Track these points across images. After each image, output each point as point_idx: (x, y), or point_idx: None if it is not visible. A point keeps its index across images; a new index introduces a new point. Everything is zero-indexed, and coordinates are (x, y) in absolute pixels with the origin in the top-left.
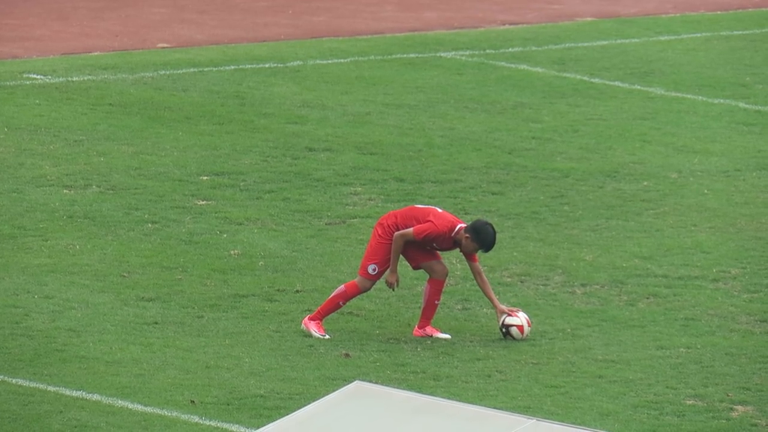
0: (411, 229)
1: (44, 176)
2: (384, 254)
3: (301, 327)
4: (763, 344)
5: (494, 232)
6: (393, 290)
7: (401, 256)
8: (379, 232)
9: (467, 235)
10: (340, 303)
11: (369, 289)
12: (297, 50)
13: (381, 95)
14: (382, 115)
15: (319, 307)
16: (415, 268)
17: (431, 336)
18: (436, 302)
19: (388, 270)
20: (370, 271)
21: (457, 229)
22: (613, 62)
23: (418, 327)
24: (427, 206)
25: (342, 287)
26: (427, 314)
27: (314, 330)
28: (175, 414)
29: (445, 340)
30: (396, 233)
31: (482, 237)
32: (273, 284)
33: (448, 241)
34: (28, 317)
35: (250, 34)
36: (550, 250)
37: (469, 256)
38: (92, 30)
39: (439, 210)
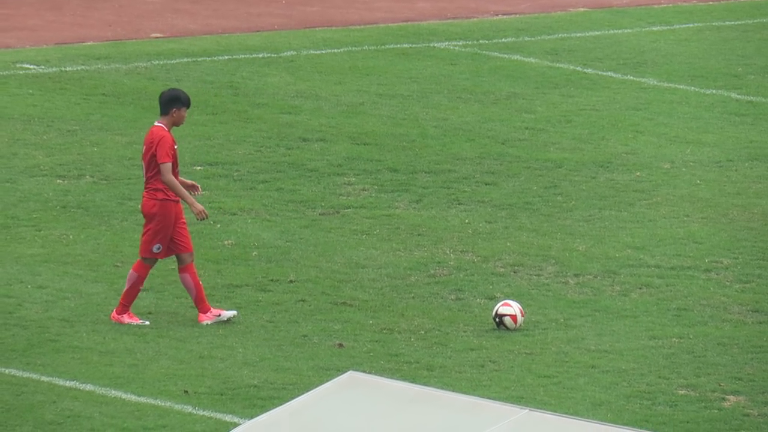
0: (161, 164)
1: (37, 166)
2: (163, 231)
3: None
4: (755, 334)
5: (178, 89)
6: (205, 218)
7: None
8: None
9: (174, 108)
10: (140, 288)
11: (153, 263)
12: (290, 40)
13: (374, 85)
14: (376, 106)
15: (121, 299)
16: (166, 255)
17: (219, 315)
18: (200, 282)
19: (192, 209)
20: (154, 250)
21: (161, 124)
22: (606, 53)
23: (201, 313)
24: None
25: (133, 273)
26: (201, 297)
27: (129, 321)
28: (168, 404)
29: (232, 315)
30: (162, 179)
31: (180, 97)
32: (266, 274)
33: (169, 135)
34: (21, 307)
35: (244, 24)
36: (543, 240)
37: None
38: (86, 20)
39: (150, 130)
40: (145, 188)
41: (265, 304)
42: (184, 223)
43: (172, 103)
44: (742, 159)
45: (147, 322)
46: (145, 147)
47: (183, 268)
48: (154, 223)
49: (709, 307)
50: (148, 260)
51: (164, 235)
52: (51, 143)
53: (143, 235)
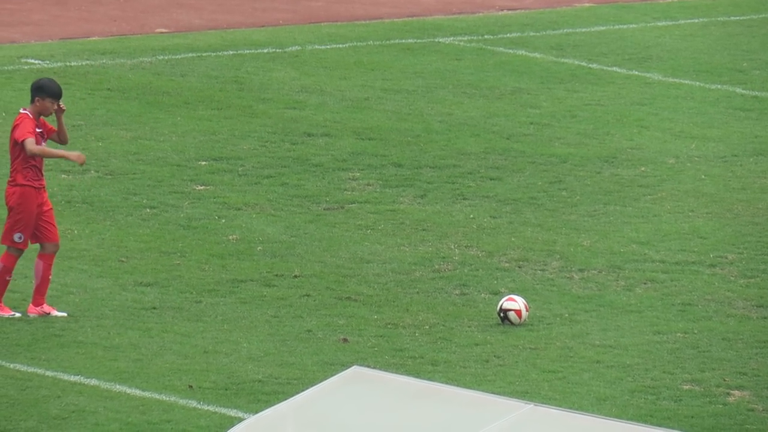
0: (23, 141)
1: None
2: (26, 219)
3: (45, 311)
4: (760, 329)
5: (48, 78)
6: (83, 163)
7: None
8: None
9: (38, 98)
10: (7, 278)
11: (21, 253)
12: (295, 35)
13: (379, 80)
14: (381, 101)
15: None
16: (34, 242)
17: (48, 314)
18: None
19: (72, 158)
20: (16, 239)
21: (26, 112)
22: (611, 48)
23: (33, 305)
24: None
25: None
26: (42, 290)
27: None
28: (173, 399)
29: (63, 317)
30: (28, 150)
31: (42, 86)
32: (271, 269)
33: (36, 122)
34: (26, 302)
35: (249, 19)
36: (547, 235)
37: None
38: (91, 15)
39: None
40: (9, 178)
41: (269, 299)
42: (51, 211)
43: (36, 92)
44: (747, 154)
45: (18, 314)
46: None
47: (43, 255)
48: (14, 212)
49: (713, 302)
50: (12, 249)
51: (25, 224)
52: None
53: (5, 223)
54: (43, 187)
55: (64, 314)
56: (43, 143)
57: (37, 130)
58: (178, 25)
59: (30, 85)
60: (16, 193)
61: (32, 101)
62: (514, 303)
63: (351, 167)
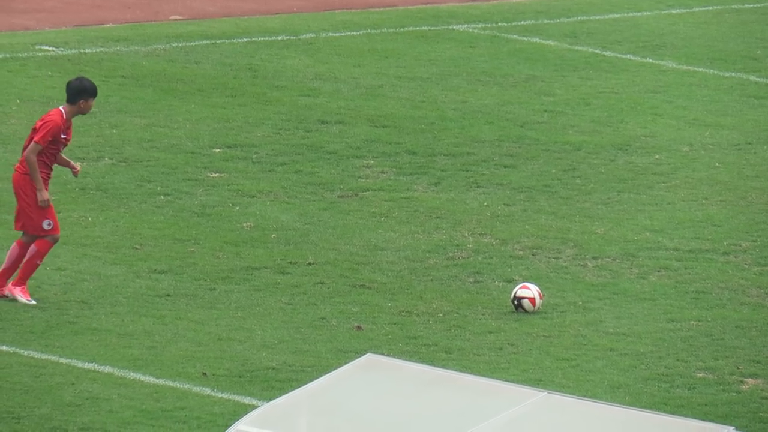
0: (35, 142)
1: None
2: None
3: (6, 293)
4: None
5: (87, 79)
6: (45, 205)
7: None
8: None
9: (82, 100)
10: (38, 262)
11: (57, 239)
12: (309, 23)
13: (393, 68)
14: (395, 88)
15: (20, 272)
16: (18, 228)
17: (14, 297)
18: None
19: (37, 192)
20: (45, 227)
21: (64, 111)
22: (625, 35)
23: (13, 283)
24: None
25: (34, 248)
26: (7, 275)
27: (20, 296)
28: (187, 386)
29: (30, 304)
30: (27, 154)
31: (87, 87)
32: (285, 257)
33: (67, 125)
34: (40, 289)
35: (263, 6)
36: (561, 223)
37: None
38: (105, 2)
39: (50, 111)
40: (19, 163)
41: (283, 287)
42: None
43: (79, 94)
44: (761, 142)
45: (34, 302)
46: (38, 120)
47: (21, 243)
48: (30, 200)
49: (727, 290)
50: (48, 237)
51: (46, 210)
52: None
53: (16, 207)
54: (49, 178)
55: (34, 302)
56: (61, 149)
57: (62, 136)
58: (192, 12)
59: (68, 84)
60: (27, 181)
61: (73, 102)
62: (528, 291)
63: (365, 155)
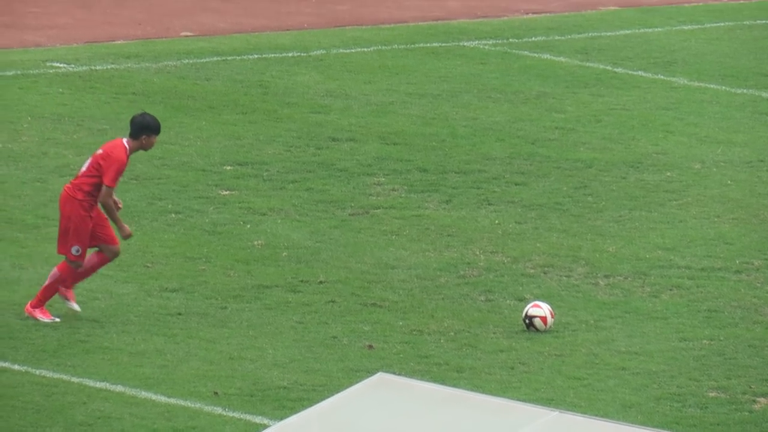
0: (106, 186)
1: (68, 165)
2: (84, 233)
3: (67, 298)
4: None
5: (151, 115)
6: (128, 238)
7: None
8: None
9: (145, 135)
10: (58, 287)
11: (81, 266)
12: (320, 39)
13: (404, 84)
14: (405, 105)
15: (38, 294)
16: (92, 245)
17: (34, 317)
18: (58, 287)
19: (119, 229)
20: (73, 252)
21: (127, 146)
22: (636, 52)
23: (31, 305)
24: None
25: (55, 270)
26: (46, 296)
27: (41, 317)
28: (198, 405)
29: (47, 322)
30: (101, 200)
31: (150, 124)
32: (296, 275)
33: (126, 160)
34: (51, 308)
35: (274, 22)
36: (573, 241)
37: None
38: (115, 18)
39: (112, 143)
40: (73, 182)
41: (294, 305)
42: (99, 211)
43: (142, 130)
44: None
45: (58, 319)
46: (101, 151)
47: (101, 255)
48: (71, 222)
49: (740, 309)
50: (70, 262)
51: (82, 236)
52: (81, 142)
53: (59, 228)
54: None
55: (58, 319)
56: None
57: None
58: (202, 28)
59: (132, 119)
60: (75, 204)
61: (136, 137)
62: (540, 309)
63: (376, 172)
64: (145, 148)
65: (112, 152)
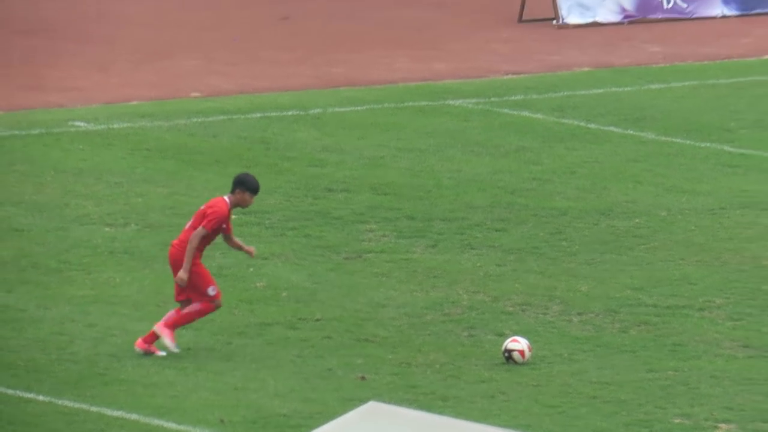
0: (201, 227)
1: (87, 215)
2: (204, 276)
3: (153, 328)
4: (746, 368)
5: (251, 176)
6: (183, 285)
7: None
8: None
9: (239, 190)
10: (195, 318)
11: (220, 304)
12: (317, 99)
13: (394, 140)
14: (395, 159)
15: (174, 318)
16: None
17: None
18: (196, 318)
19: (181, 270)
20: (210, 292)
21: (228, 201)
22: (608, 109)
23: (164, 324)
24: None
25: (197, 305)
26: (180, 323)
27: (168, 340)
28: None
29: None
30: (192, 235)
31: (244, 181)
32: (295, 313)
33: (229, 215)
34: (72, 344)
35: (275, 84)
36: (549, 281)
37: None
38: (131, 81)
39: (214, 200)
40: (179, 239)
41: (293, 341)
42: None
43: (237, 185)
44: (734, 207)
45: (177, 350)
46: (204, 207)
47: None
48: (192, 273)
49: (702, 343)
50: (212, 301)
51: (206, 278)
52: (99, 194)
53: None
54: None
55: (171, 350)
56: (214, 238)
57: (223, 225)
58: (210, 89)
59: (235, 178)
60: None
61: (233, 192)
62: (518, 344)
63: (368, 220)
64: (241, 204)
65: (214, 205)
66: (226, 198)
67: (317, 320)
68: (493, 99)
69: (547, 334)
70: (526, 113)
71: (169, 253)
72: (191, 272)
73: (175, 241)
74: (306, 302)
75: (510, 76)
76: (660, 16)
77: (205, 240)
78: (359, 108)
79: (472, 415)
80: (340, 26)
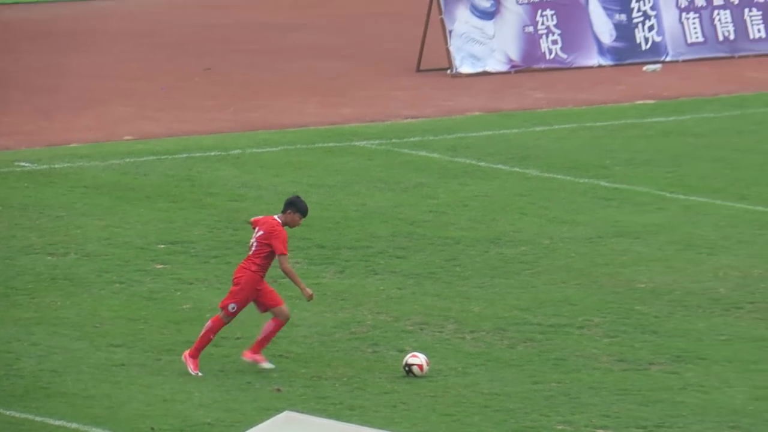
0: (280, 255)
1: (32, 245)
2: (243, 296)
3: (182, 359)
4: (621, 380)
5: (302, 200)
6: (310, 299)
7: (253, 300)
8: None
9: (290, 211)
10: (211, 337)
11: (229, 322)
12: (237, 141)
13: (306, 177)
14: (307, 194)
15: (195, 344)
16: (264, 311)
17: (258, 363)
18: (211, 337)
19: (304, 293)
20: (230, 309)
21: (279, 220)
22: (497, 149)
23: (251, 351)
24: (259, 221)
25: (209, 323)
26: (262, 344)
27: (191, 367)
28: None
29: (270, 368)
30: (281, 267)
31: (294, 203)
32: (218, 332)
33: (284, 230)
34: (19, 361)
35: (199, 128)
36: (444, 303)
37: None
38: (71, 125)
39: (266, 218)
40: (246, 259)
41: (216, 357)
42: (266, 284)
43: (288, 206)
44: (610, 236)
45: (200, 374)
46: (262, 232)
47: (276, 319)
48: (239, 287)
49: (582, 358)
50: (224, 315)
51: (243, 300)
52: (42, 227)
53: (229, 292)
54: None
55: (272, 366)
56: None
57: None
58: (141, 133)
59: (287, 200)
60: (248, 276)
61: (284, 212)
62: (417, 359)
63: None
64: (290, 224)
65: (273, 230)
66: (277, 218)
67: (237, 338)
68: (394, 140)
69: (442, 350)
70: (423, 153)
71: (235, 271)
72: (252, 279)
73: (242, 263)
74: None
75: (409, 120)
76: (543, 65)
77: (269, 259)
78: (274, 149)
79: (376, 423)
80: (258, 76)
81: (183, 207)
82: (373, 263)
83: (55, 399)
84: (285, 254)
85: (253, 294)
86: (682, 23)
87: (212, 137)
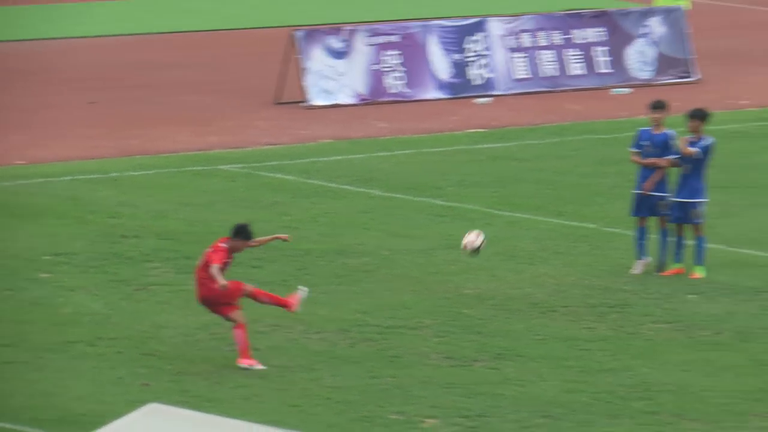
0: (211, 265)
1: None
2: (230, 295)
3: (241, 366)
4: (448, 375)
5: (244, 226)
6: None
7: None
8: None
9: (236, 239)
10: (246, 340)
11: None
12: (116, 165)
13: (176, 197)
14: (176, 212)
15: (239, 349)
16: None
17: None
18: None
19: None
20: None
21: (226, 247)
22: (345, 172)
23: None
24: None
25: (234, 332)
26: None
27: (254, 365)
28: (21, 428)
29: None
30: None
31: (238, 230)
32: (94, 334)
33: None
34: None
35: (83, 153)
36: None
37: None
38: None
39: (218, 246)
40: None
41: (92, 355)
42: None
43: (235, 233)
44: (442, 248)
45: (263, 367)
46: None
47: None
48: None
49: (415, 355)
50: (231, 320)
51: (230, 296)
52: None
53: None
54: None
55: (263, 367)
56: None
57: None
58: (31, 158)
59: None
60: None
61: (232, 237)
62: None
63: (153, 259)
64: (237, 249)
65: (214, 246)
66: (223, 245)
67: (111, 339)
68: (254, 164)
69: (291, 348)
70: (280, 175)
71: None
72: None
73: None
74: (103, 325)
75: (268, 146)
76: (387, 98)
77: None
78: (149, 172)
79: (233, 413)
80: (136, 108)
81: (67, 223)
82: (233, 272)
83: None
84: (215, 264)
85: (237, 292)
86: (510, 61)
87: (94, 162)
